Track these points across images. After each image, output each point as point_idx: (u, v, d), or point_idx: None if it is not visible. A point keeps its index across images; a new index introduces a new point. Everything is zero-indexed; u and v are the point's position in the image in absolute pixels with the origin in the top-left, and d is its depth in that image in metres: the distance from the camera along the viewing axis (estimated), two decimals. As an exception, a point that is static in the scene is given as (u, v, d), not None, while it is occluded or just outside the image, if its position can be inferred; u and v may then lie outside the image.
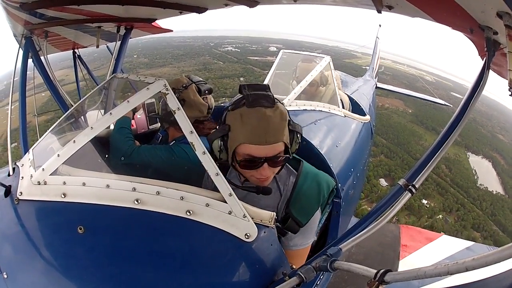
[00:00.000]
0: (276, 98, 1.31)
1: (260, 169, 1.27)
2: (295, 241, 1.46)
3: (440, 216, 34.09)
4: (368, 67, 8.53)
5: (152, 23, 3.13)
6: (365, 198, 31.20)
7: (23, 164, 1.42)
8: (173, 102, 1.22)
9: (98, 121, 1.28)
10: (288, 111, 1.33)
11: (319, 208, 1.48)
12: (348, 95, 4.00)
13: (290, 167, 1.56)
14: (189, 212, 1.13)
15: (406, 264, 2.76)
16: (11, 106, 2.44)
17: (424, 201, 35.89)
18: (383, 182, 34.73)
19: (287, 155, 1.32)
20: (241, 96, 1.29)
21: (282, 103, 1.35)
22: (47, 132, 1.60)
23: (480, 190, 40.32)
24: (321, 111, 2.70)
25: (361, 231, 1.28)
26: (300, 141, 1.41)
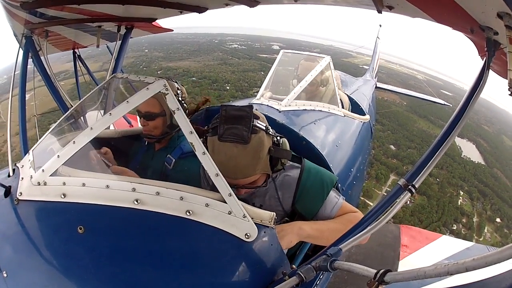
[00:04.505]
0: (256, 126, 1.27)
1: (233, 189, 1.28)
2: (328, 209, 1.52)
3: (434, 170, 40.07)
4: (364, 66, 8.58)
5: (153, 23, 3.12)
6: (383, 154, 39.88)
7: (23, 165, 1.42)
8: (172, 102, 1.22)
9: (98, 122, 1.28)
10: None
11: (331, 191, 1.55)
12: (348, 95, 4.01)
13: (293, 164, 1.59)
14: (189, 212, 1.13)
15: (406, 264, 2.76)
16: (10, 106, 2.41)
17: (418, 161, 43.16)
18: (392, 147, 43.97)
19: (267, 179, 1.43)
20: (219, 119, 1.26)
21: (266, 129, 1.31)
22: (47, 133, 1.60)
23: (464, 159, 47.08)
24: (320, 111, 2.70)
25: (361, 231, 1.28)
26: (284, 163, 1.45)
